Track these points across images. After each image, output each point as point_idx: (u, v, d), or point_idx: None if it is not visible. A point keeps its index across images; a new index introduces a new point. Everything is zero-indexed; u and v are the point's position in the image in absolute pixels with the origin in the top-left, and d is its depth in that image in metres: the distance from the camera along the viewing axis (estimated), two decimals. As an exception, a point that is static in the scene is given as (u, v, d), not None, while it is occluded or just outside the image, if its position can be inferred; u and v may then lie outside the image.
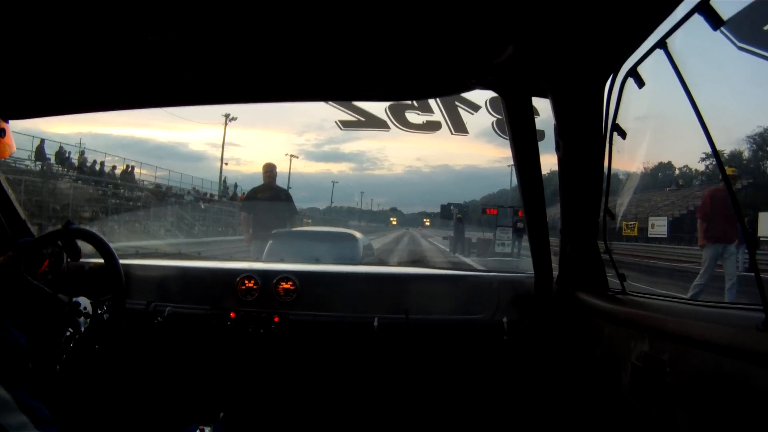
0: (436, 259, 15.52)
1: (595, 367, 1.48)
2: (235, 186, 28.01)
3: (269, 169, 5.28)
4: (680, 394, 1.06)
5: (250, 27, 1.24)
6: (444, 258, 16.41)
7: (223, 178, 29.33)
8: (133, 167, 21.67)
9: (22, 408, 0.78)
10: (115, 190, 18.65)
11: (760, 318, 0.86)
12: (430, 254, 17.84)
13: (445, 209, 21.05)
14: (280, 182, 5.78)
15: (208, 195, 25.55)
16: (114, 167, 20.66)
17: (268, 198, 5.17)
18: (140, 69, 1.48)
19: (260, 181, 5.23)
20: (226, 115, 28.29)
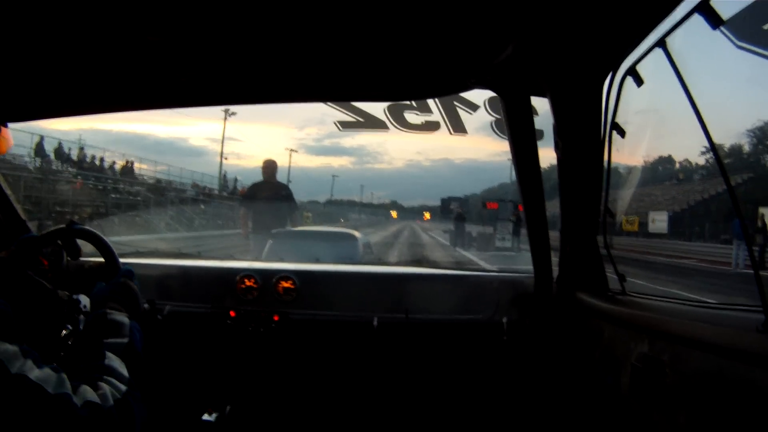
0: (437, 253, 15.51)
1: (595, 368, 1.48)
2: (235, 180, 28.17)
3: (269, 166, 5.26)
4: (680, 395, 1.06)
5: (249, 27, 1.24)
6: (444, 252, 16.41)
7: (223, 172, 29.46)
8: (132, 162, 21.78)
9: (24, 353, 0.85)
10: (115, 186, 18.64)
11: (759, 319, 0.86)
12: (430, 248, 17.74)
13: (445, 203, 20.81)
14: (281, 177, 5.81)
15: (207, 189, 25.59)
16: (113, 163, 20.78)
17: (268, 194, 5.16)
18: (140, 70, 1.48)
19: (260, 176, 5.25)
20: (226, 110, 28.35)
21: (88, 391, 0.89)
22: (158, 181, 22.93)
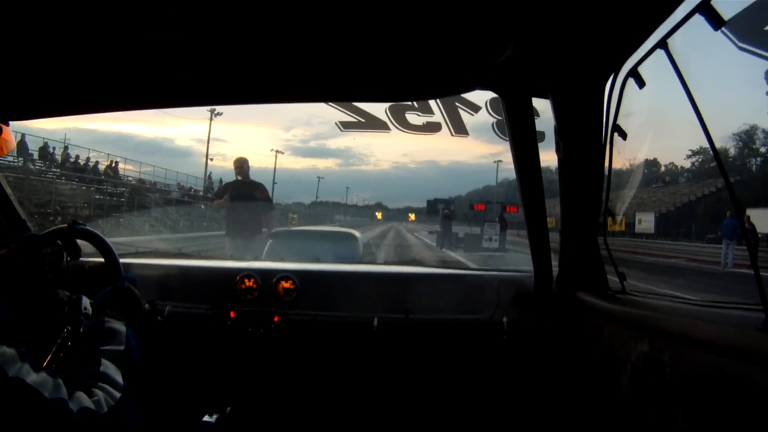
0: (423, 254, 15.44)
1: (595, 367, 1.49)
2: (220, 181, 27.89)
3: (240, 164, 5.09)
4: (680, 394, 1.06)
5: (251, 27, 1.24)
6: (431, 252, 16.34)
7: (208, 173, 29.24)
8: (117, 162, 21.46)
9: (21, 357, 0.86)
10: (99, 186, 18.35)
11: (760, 318, 0.86)
12: (416, 249, 17.59)
13: (432, 205, 20.71)
14: (267, 178, 5.77)
15: (192, 190, 25.34)
16: (97, 162, 20.46)
17: (242, 194, 4.98)
18: (141, 69, 1.47)
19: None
20: (212, 110, 27.91)
21: (83, 397, 0.90)
22: (141, 181, 22.58)
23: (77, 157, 19.64)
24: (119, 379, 1.03)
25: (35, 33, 1.23)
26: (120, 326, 1.19)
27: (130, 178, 22.31)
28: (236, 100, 1.81)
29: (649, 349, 1.19)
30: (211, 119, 29.05)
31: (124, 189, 20.01)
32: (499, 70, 1.40)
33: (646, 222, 26.54)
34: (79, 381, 0.96)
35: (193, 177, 27.89)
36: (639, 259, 15.95)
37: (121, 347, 1.13)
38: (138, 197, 19.33)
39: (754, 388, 0.86)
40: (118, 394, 0.98)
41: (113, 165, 21.13)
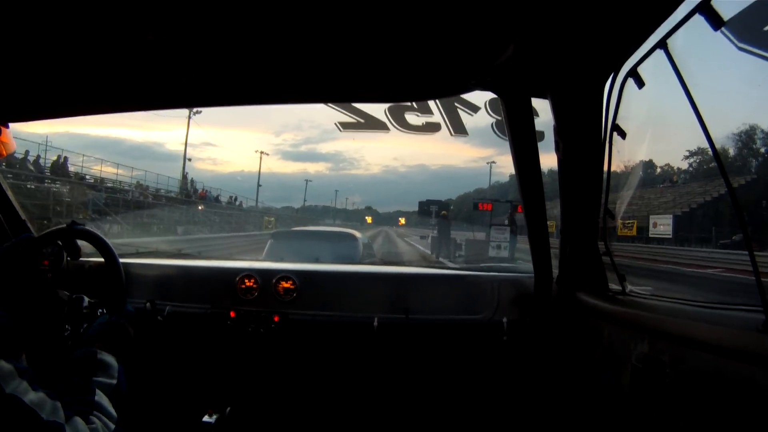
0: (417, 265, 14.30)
1: (595, 368, 1.49)
2: (192, 182, 27.36)
3: None
4: (680, 395, 1.06)
5: (252, 28, 1.23)
6: (427, 264, 15.00)
7: (185, 174, 28.44)
8: (66, 158, 18.32)
9: (20, 373, 0.85)
10: (38, 185, 15.61)
11: (760, 319, 0.86)
12: (409, 257, 15.75)
13: (423, 206, 19.12)
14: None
15: (162, 191, 24.08)
16: (38, 157, 17.29)
17: None
18: (140, 70, 1.48)
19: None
20: (190, 108, 26.64)
21: (80, 424, 0.90)
22: (102, 181, 19.94)
23: (13, 152, 18.07)
24: (113, 411, 1.04)
25: (35, 34, 1.23)
26: (112, 360, 1.20)
27: (88, 177, 19.51)
28: (238, 101, 1.80)
29: (649, 350, 1.19)
30: (189, 117, 28.30)
31: (65, 189, 16.62)
32: (499, 71, 1.40)
33: (662, 225, 24.94)
34: (75, 407, 0.96)
35: (164, 177, 25.89)
36: (666, 268, 14.73)
37: (114, 381, 1.14)
38: (80, 198, 16.28)
39: (754, 389, 0.86)
40: (113, 426, 0.99)
41: (61, 161, 17.90)
